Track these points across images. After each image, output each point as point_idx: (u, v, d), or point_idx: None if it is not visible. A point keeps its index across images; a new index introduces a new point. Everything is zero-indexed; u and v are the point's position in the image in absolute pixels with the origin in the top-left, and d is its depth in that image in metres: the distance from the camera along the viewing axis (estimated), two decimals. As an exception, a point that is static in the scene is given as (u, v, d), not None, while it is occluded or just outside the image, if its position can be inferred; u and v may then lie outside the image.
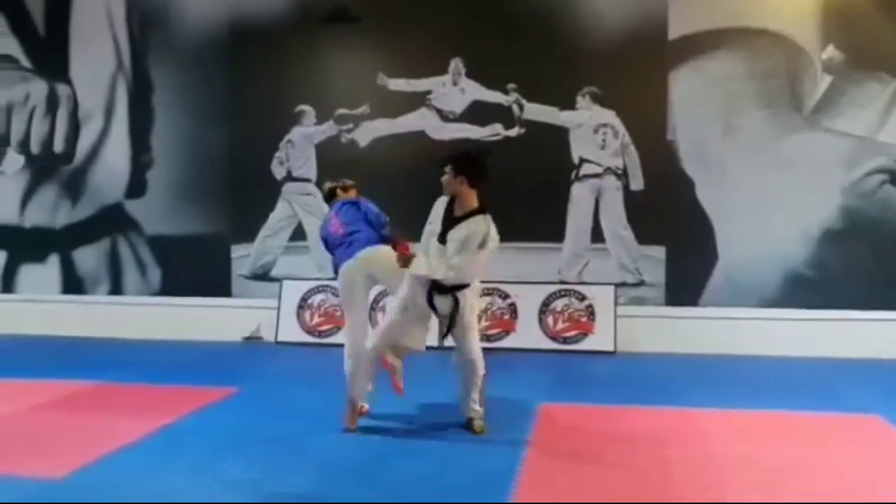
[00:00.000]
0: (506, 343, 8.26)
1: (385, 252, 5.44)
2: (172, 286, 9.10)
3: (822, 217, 8.00)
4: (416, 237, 5.26)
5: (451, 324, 5.07)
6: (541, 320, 8.31)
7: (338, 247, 5.61)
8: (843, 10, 7.99)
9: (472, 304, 5.19)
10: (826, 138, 8.02)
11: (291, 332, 8.70)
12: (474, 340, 5.21)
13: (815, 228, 8.02)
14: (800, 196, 8.03)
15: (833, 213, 7.98)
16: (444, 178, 5.05)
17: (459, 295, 5.04)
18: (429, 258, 5.05)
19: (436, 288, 5.04)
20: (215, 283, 8.97)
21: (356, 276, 5.49)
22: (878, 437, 5.24)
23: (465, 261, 4.95)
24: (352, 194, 5.95)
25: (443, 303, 5.07)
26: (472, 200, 5.03)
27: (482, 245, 4.94)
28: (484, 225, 4.95)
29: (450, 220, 5.03)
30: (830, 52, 8.01)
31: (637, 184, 8.34)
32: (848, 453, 4.85)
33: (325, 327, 8.66)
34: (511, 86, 8.46)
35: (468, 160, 5.06)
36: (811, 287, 8.02)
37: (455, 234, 4.97)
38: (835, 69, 8.01)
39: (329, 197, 6.04)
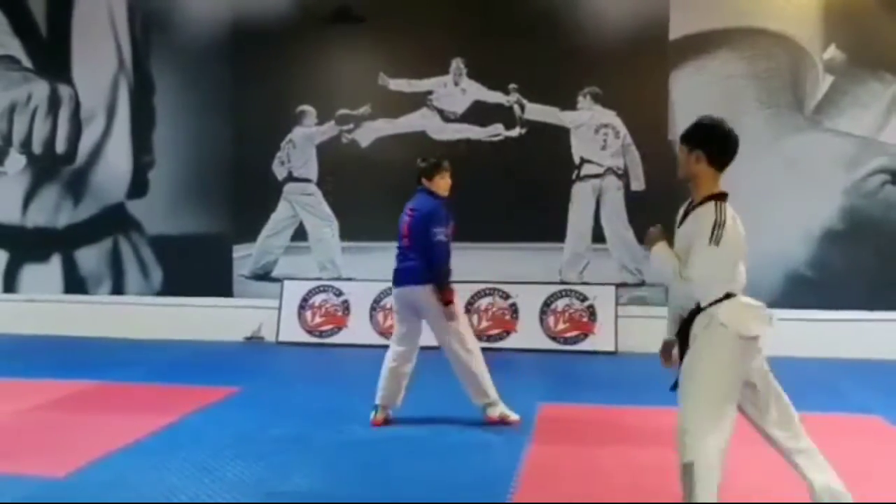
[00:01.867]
0: (506, 343, 8.26)
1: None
2: (174, 286, 9.11)
3: (823, 217, 8.00)
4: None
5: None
6: (542, 320, 8.31)
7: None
8: (845, 10, 7.99)
9: (703, 337, 3.49)
10: (828, 138, 8.02)
11: (292, 332, 8.70)
12: (698, 401, 3.46)
13: (816, 229, 8.01)
14: (801, 196, 8.02)
15: (835, 214, 7.98)
16: (680, 156, 3.79)
17: (697, 321, 3.52)
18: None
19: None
20: (217, 283, 8.98)
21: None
22: (879, 438, 5.25)
23: (699, 266, 3.47)
24: (437, 183, 5.42)
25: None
26: (710, 185, 3.68)
27: (714, 239, 3.47)
28: (713, 212, 3.56)
29: (683, 216, 3.76)
30: (832, 52, 8.00)
31: (638, 184, 8.34)
32: (849, 454, 4.85)
33: (326, 327, 8.66)
34: (512, 86, 8.47)
35: (708, 130, 3.77)
36: (812, 288, 8.01)
37: (683, 230, 3.67)
38: (836, 69, 8.00)
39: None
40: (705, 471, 3.41)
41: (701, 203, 3.65)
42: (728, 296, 3.53)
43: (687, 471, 3.42)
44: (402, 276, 5.38)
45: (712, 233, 3.50)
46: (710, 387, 3.46)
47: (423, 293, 5.28)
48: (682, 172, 3.78)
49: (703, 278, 3.50)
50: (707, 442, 3.41)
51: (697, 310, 3.53)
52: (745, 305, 3.55)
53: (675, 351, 3.72)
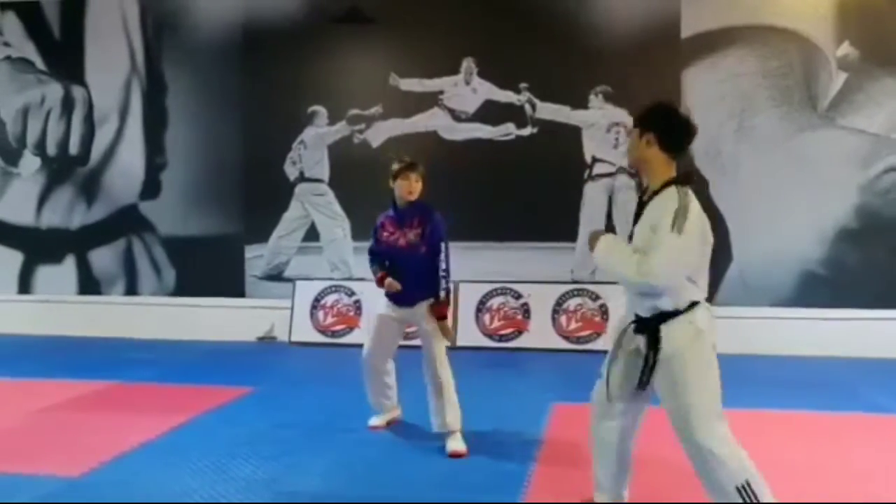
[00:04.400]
0: (519, 343, 8.26)
1: None
2: (187, 286, 9.15)
3: (837, 216, 7.95)
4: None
5: (646, 374, 3.36)
6: (554, 320, 8.30)
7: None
8: (859, 7, 7.93)
9: (688, 347, 3.30)
10: (841, 136, 7.97)
11: (305, 332, 8.72)
12: (702, 416, 3.25)
13: (830, 227, 7.97)
14: (815, 195, 7.98)
15: (848, 212, 7.93)
16: (628, 140, 3.51)
17: (663, 331, 3.30)
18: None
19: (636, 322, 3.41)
20: (229, 283, 9.01)
21: None
22: (895, 437, 5.21)
23: (661, 257, 3.14)
24: (397, 186, 5.18)
25: (640, 343, 3.40)
26: (665, 170, 3.32)
27: (677, 227, 3.13)
28: (675, 197, 3.21)
29: (639, 208, 3.41)
30: (845, 48, 7.95)
31: (650, 183, 8.32)
32: (866, 453, 4.83)
33: (338, 327, 8.67)
34: (523, 85, 8.46)
35: (660, 111, 3.38)
36: (826, 286, 7.97)
37: (641, 225, 3.31)
38: (850, 66, 7.95)
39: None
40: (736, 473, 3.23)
41: (660, 190, 3.30)
42: (694, 304, 3.31)
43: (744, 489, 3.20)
44: None
45: (674, 220, 3.14)
46: (703, 388, 3.28)
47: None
48: (631, 158, 3.52)
49: (666, 272, 3.15)
50: (722, 447, 3.25)
51: (666, 315, 3.27)
52: (707, 318, 3.34)
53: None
